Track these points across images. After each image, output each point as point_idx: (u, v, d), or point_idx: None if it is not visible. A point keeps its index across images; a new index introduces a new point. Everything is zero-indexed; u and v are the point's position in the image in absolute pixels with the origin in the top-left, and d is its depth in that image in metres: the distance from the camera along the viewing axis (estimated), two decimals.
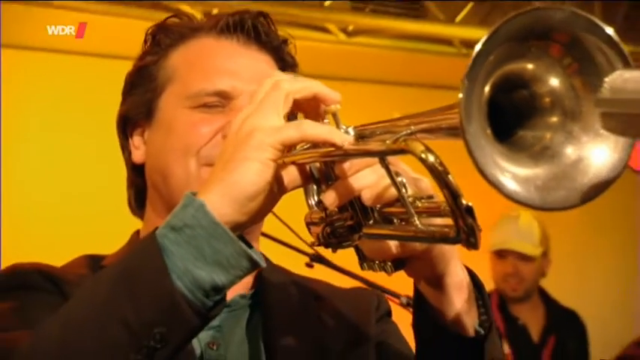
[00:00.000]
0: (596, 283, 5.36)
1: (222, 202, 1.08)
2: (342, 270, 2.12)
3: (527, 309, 4.37)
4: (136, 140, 1.42)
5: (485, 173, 0.90)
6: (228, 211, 1.07)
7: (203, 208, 1.06)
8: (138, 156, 1.42)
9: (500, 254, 4.32)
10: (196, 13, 3.29)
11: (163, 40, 1.42)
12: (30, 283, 1.32)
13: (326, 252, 1.51)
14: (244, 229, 1.11)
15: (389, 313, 1.49)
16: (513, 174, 0.94)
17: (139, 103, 1.41)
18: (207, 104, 1.35)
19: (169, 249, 1.05)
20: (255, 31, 1.39)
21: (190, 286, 1.04)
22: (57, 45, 4.87)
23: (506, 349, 4.13)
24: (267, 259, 1.39)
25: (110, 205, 3.67)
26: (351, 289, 1.52)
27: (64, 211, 4.77)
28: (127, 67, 1.50)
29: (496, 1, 4.53)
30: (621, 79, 0.82)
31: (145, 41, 1.45)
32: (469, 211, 0.95)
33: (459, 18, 4.69)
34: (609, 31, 0.91)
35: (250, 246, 1.10)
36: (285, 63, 1.42)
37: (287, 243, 1.79)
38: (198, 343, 1.30)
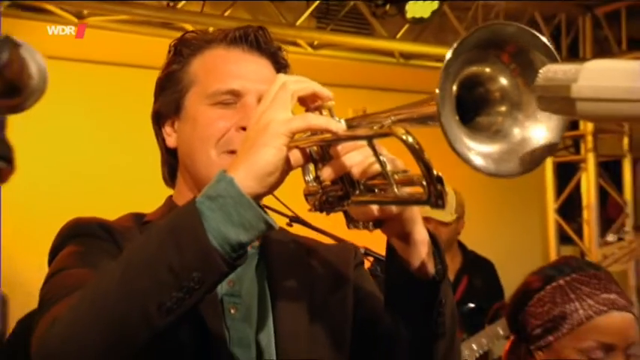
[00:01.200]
0: (506, 234, 5.36)
1: (246, 178, 1.10)
2: (315, 228, 2.16)
3: (447, 257, 4.39)
4: (167, 130, 1.42)
5: (455, 148, 0.94)
6: (251, 184, 1.10)
7: (232, 182, 1.09)
8: (171, 142, 1.42)
9: (426, 220, 4.33)
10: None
11: (185, 51, 1.41)
12: (89, 232, 1.34)
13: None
14: (262, 198, 1.14)
15: (362, 263, 1.51)
16: (475, 150, 0.98)
17: (169, 101, 1.41)
18: (222, 102, 1.35)
19: (206, 213, 1.08)
20: (257, 41, 1.39)
21: (221, 242, 1.07)
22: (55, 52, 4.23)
23: None
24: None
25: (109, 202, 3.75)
26: (335, 244, 1.53)
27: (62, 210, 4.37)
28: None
29: (427, 24, 4.55)
30: (551, 71, 0.87)
31: (169, 52, 1.44)
32: (439, 179, 0.99)
33: (398, 35, 4.71)
34: (544, 39, 0.96)
35: (266, 212, 1.12)
36: (280, 65, 1.42)
37: (270, 207, 1.81)
38: (221, 286, 1.30)
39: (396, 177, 1.09)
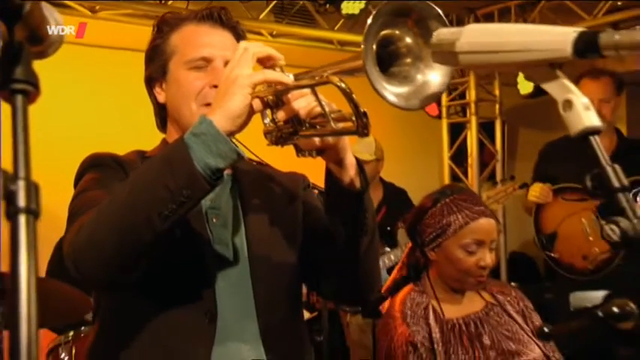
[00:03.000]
0: (413, 175, 5.21)
1: (221, 119, 1.09)
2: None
3: (372, 189, 4.34)
4: (157, 89, 1.39)
5: (376, 89, 0.94)
6: (225, 124, 1.09)
7: (211, 123, 1.08)
8: (161, 98, 1.39)
9: None
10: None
11: (165, 28, 1.37)
12: (104, 162, 1.32)
13: None
14: (234, 135, 1.14)
15: (309, 185, 1.50)
16: (390, 91, 0.97)
17: (157, 68, 1.37)
18: (197, 66, 1.32)
19: (192, 147, 1.07)
20: (220, 17, 1.36)
21: (204, 167, 1.06)
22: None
23: None
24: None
25: None
26: (288, 172, 1.50)
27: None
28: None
29: (357, 18, 4.52)
30: (442, 33, 0.86)
31: (153, 29, 1.40)
32: (365, 114, 1.00)
33: (336, 27, 4.68)
34: (438, 10, 0.97)
35: (237, 146, 1.13)
36: (239, 36, 1.38)
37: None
38: (203, 200, 1.29)
39: (332, 115, 1.09)
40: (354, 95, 1.00)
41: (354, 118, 1.03)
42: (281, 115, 1.15)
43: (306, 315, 3.81)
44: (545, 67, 0.71)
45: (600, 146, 0.68)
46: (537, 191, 3.28)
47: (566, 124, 0.69)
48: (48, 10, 0.72)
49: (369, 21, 0.95)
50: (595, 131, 0.68)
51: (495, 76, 5.51)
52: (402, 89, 0.99)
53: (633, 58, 5.36)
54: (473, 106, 5.44)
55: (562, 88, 0.70)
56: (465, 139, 5.47)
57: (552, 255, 3.23)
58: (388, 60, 1.01)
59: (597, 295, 2.60)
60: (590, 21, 4.59)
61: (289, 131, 1.17)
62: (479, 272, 1.83)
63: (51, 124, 3.81)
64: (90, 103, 4.33)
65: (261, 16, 4.38)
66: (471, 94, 5.43)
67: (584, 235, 3.11)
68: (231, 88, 1.11)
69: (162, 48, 1.37)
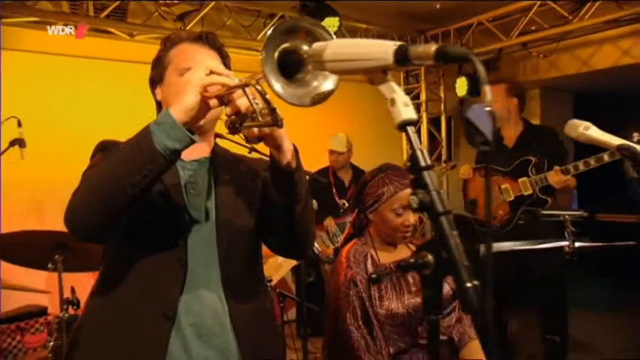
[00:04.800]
0: (380, 160, 5.22)
1: (177, 112, 1.07)
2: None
3: (342, 173, 4.30)
4: (157, 90, 1.35)
5: (274, 90, 0.91)
6: (180, 115, 1.06)
7: (170, 114, 1.06)
8: (159, 97, 1.35)
9: (331, 152, 4.23)
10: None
11: (167, 43, 1.34)
12: (109, 147, 1.30)
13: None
14: (189, 125, 1.09)
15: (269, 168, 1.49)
16: (288, 91, 0.94)
17: (158, 73, 1.34)
18: (183, 74, 1.29)
19: (154, 132, 1.05)
20: (208, 39, 1.33)
21: (164, 148, 1.05)
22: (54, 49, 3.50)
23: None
24: (216, 143, 1.39)
25: None
26: (256, 158, 1.46)
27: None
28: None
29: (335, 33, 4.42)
30: (316, 45, 0.83)
31: (160, 44, 1.37)
32: (274, 110, 0.98)
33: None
34: (324, 26, 0.92)
35: (193, 133, 1.08)
36: (223, 55, 1.35)
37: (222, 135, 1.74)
38: (184, 177, 1.28)
39: (262, 112, 1.05)
40: (267, 96, 0.97)
41: (270, 113, 1.00)
42: (229, 110, 1.13)
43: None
44: (379, 73, 0.69)
45: (414, 134, 0.66)
46: (462, 170, 3.32)
47: (392, 116, 0.67)
48: None
49: (269, 33, 0.91)
50: (411, 122, 0.66)
51: (441, 82, 5.45)
52: (299, 91, 0.95)
53: (545, 68, 5.31)
54: (424, 105, 5.40)
55: (390, 89, 0.68)
56: (418, 130, 5.45)
57: (475, 216, 3.25)
58: (296, 67, 0.97)
59: (504, 245, 2.59)
60: (507, 41, 4.54)
61: (237, 123, 1.14)
62: (405, 229, 1.82)
63: (97, 121, 3.73)
64: (122, 107, 4.14)
65: (259, 37, 4.25)
66: (422, 96, 5.39)
67: (492, 201, 3.11)
68: (186, 88, 1.09)
69: (162, 58, 1.34)
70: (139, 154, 1.06)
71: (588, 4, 3.94)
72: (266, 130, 1.11)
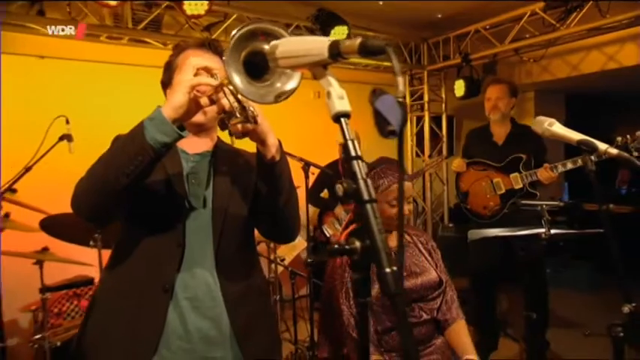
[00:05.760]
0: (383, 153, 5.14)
1: (167, 109, 1.04)
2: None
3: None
4: (167, 91, 1.30)
5: (238, 90, 0.86)
6: (170, 112, 1.03)
7: (160, 111, 1.03)
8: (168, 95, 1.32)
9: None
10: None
11: (176, 50, 1.31)
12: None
13: None
14: (180, 121, 1.06)
15: None
16: (252, 90, 0.89)
17: (167, 76, 1.30)
18: None
19: (146, 127, 1.02)
20: (210, 46, 1.29)
21: (154, 141, 1.02)
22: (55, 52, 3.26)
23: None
24: (219, 138, 1.35)
25: None
26: (253, 152, 1.45)
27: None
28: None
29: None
30: (272, 44, 0.77)
31: (172, 50, 1.34)
32: (245, 108, 0.93)
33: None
34: (278, 28, 0.87)
35: (183, 129, 1.05)
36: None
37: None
38: (187, 168, 1.25)
39: (238, 109, 1.02)
40: (239, 95, 0.93)
41: (241, 111, 0.96)
42: (216, 108, 1.09)
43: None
44: (320, 67, 0.63)
45: (347, 125, 0.59)
46: (455, 164, 3.21)
47: (328, 108, 0.61)
48: None
49: (235, 34, 0.86)
50: (344, 114, 0.60)
51: (442, 84, 5.29)
52: (264, 90, 0.90)
53: (538, 72, 5.09)
54: (426, 104, 5.25)
55: (327, 82, 0.62)
56: (422, 128, 5.29)
57: (466, 206, 3.16)
58: (264, 68, 0.91)
59: (489, 232, 2.49)
60: (501, 47, 4.37)
61: (226, 120, 1.10)
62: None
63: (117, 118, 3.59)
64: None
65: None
66: (425, 96, 5.23)
67: (484, 193, 3.04)
68: (175, 88, 1.06)
69: (171, 63, 1.31)
70: (132, 146, 1.03)
71: (574, 14, 3.79)
72: (249, 126, 1.06)
